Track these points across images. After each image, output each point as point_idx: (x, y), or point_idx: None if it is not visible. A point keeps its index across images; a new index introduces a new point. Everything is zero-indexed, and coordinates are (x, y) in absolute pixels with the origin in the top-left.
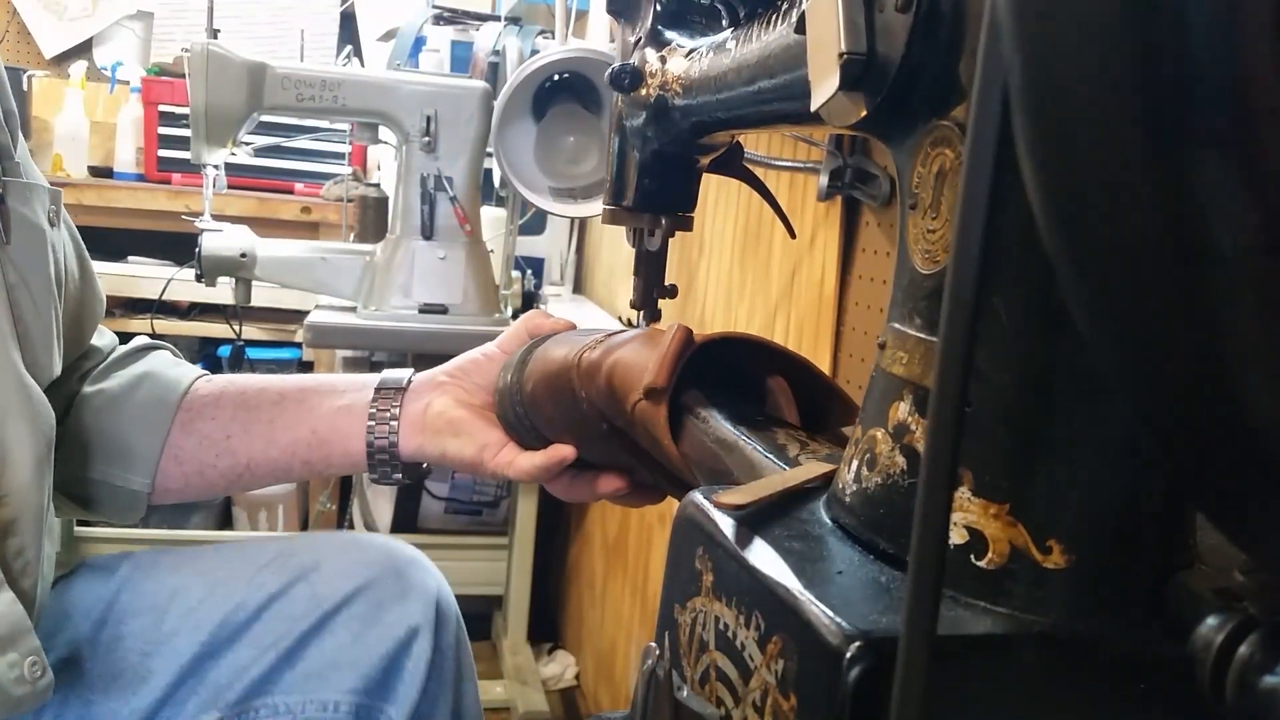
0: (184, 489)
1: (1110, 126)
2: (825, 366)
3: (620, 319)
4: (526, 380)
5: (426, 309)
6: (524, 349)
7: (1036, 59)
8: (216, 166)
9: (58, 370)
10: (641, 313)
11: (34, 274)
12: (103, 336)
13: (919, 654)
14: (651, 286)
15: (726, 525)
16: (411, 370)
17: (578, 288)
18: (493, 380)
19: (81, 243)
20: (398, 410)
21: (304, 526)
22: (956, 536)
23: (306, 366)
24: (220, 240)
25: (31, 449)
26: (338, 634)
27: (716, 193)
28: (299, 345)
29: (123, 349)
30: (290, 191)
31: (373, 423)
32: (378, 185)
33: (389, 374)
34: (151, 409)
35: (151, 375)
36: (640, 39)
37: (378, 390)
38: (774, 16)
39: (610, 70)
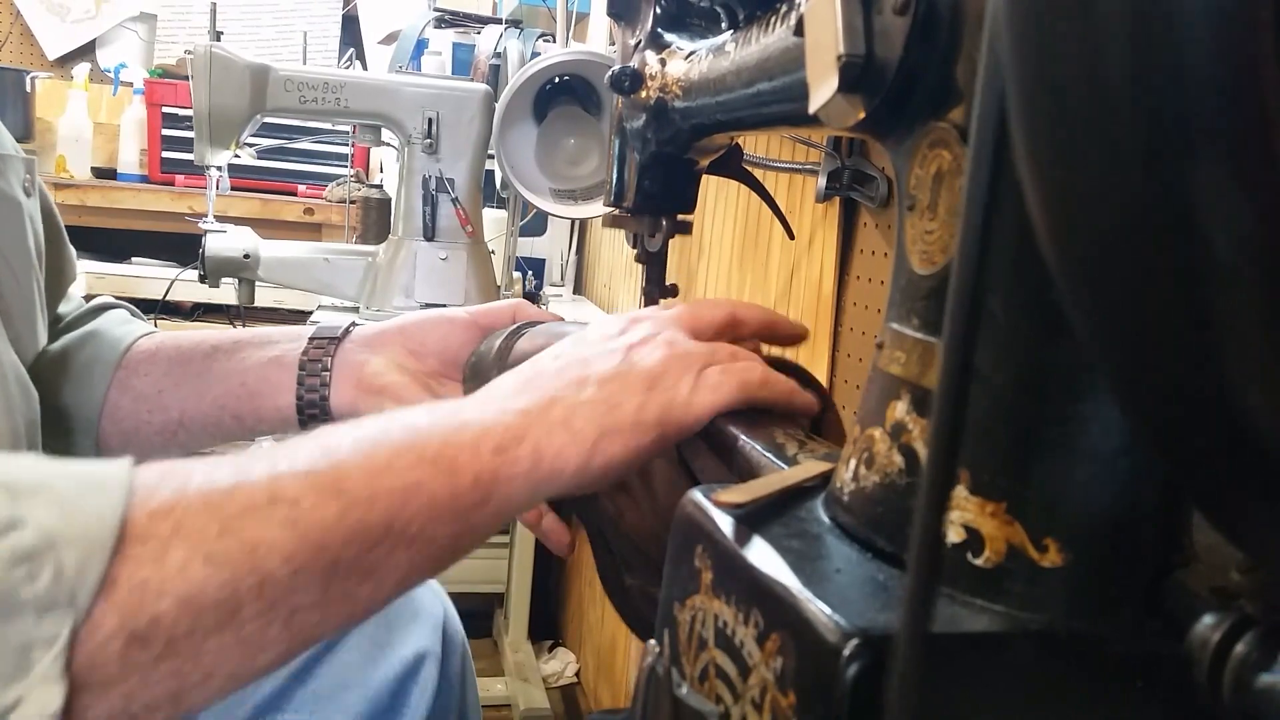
0: (123, 448)
1: (1107, 129)
2: (824, 366)
3: None
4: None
5: (428, 309)
6: (511, 330)
7: (1033, 62)
8: (220, 168)
9: (43, 342)
10: None
11: (14, 249)
12: (69, 302)
13: (915, 650)
14: (654, 286)
15: (725, 524)
16: (351, 320)
17: (578, 288)
18: (449, 348)
19: (53, 206)
20: (330, 362)
21: None
22: (954, 535)
23: None
24: (224, 241)
25: (9, 434)
26: (347, 654)
27: (716, 194)
28: None
29: (77, 311)
30: (293, 193)
31: (303, 373)
32: (380, 187)
33: (325, 324)
34: (90, 369)
35: (97, 334)
36: (640, 42)
37: (311, 340)
38: (773, 19)
39: (610, 73)
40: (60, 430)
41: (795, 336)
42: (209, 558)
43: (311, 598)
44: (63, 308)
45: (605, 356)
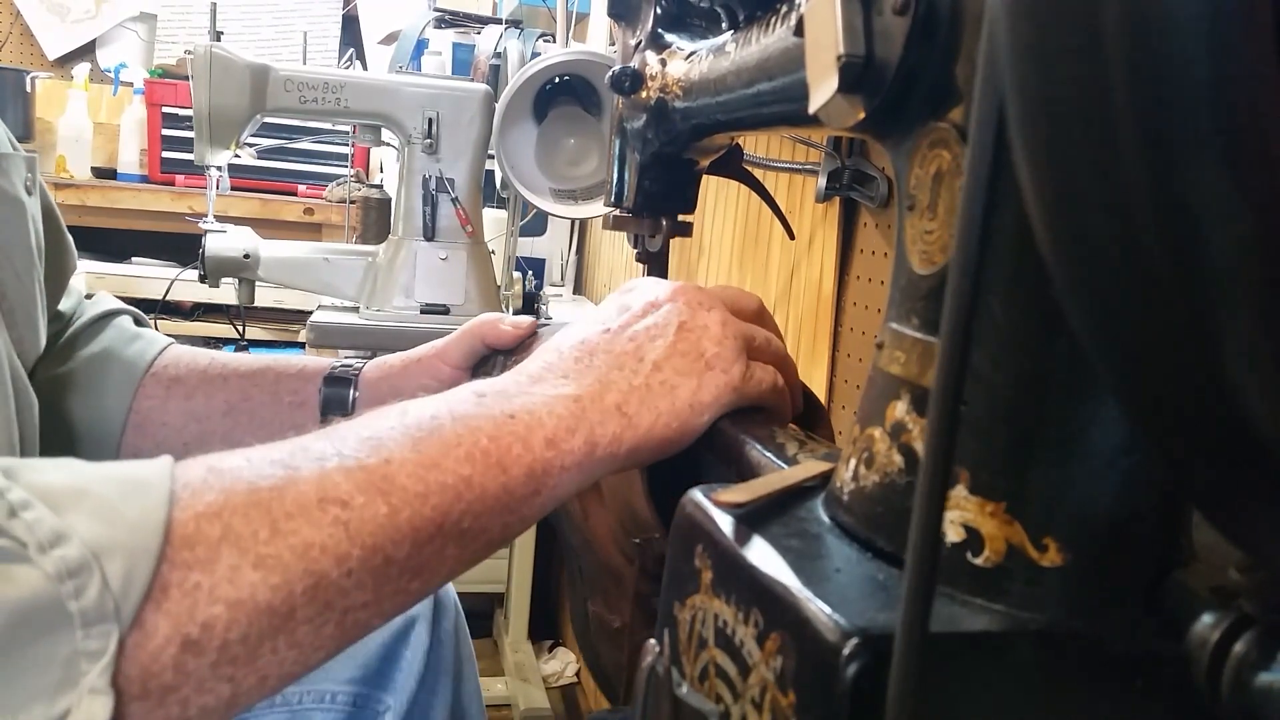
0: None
1: (1105, 130)
2: (823, 366)
3: None
4: None
5: (428, 309)
6: (479, 361)
7: (1031, 64)
8: (220, 168)
9: (43, 344)
10: None
11: (16, 249)
12: (69, 297)
13: (914, 649)
14: None
15: (725, 523)
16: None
17: (578, 288)
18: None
19: (51, 200)
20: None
21: None
22: (954, 534)
23: None
24: (224, 241)
25: (6, 443)
26: None
27: (716, 194)
28: (302, 345)
29: (82, 320)
30: (293, 193)
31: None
32: (380, 187)
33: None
34: (104, 395)
35: (109, 355)
36: (640, 42)
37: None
38: (773, 19)
39: (611, 73)
40: (73, 448)
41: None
42: (260, 561)
43: (365, 597)
44: (64, 304)
45: (657, 333)
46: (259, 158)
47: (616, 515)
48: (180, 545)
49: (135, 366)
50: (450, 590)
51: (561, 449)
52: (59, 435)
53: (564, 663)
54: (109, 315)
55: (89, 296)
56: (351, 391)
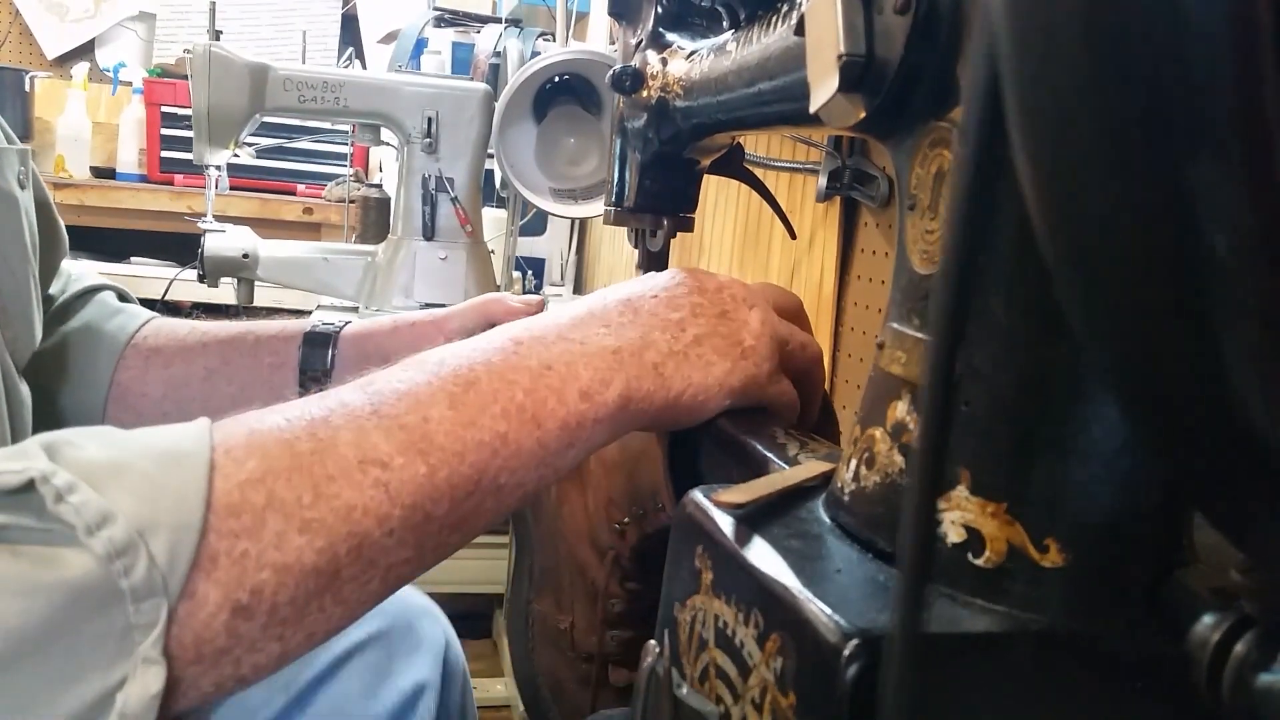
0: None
1: (1105, 128)
2: (824, 366)
3: None
4: None
5: (428, 309)
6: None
7: (1030, 60)
8: (219, 167)
9: (38, 340)
10: None
11: (10, 245)
12: (60, 279)
13: (909, 649)
14: None
15: (726, 524)
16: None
17: (578, 288)
18: None
19: (45, 191)
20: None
21: None
22: (954, 535)
23: None
24: (223, 241)
25: None
26: (348, 682)
27: (716, 193)
28: None
29: (65, 296)
30: (292, 192)
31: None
32: (379, 186)
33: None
34: (88, 367)
35: (90, 330)
36: (641, 41)
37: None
38: (774, 19)
39: (612, 72)
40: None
41: None
42: (304, 526)
43: (407, 554)
44: (54, 287)
45: (701, 312)
46: (258, 157)
47: (608, 492)
48: (226, 514)
49: (116, 340)
50: (459, 655)
51: (595, 401)
52: (44, 411)
53: None
54: (91, 291)
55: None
56: (330, 350)
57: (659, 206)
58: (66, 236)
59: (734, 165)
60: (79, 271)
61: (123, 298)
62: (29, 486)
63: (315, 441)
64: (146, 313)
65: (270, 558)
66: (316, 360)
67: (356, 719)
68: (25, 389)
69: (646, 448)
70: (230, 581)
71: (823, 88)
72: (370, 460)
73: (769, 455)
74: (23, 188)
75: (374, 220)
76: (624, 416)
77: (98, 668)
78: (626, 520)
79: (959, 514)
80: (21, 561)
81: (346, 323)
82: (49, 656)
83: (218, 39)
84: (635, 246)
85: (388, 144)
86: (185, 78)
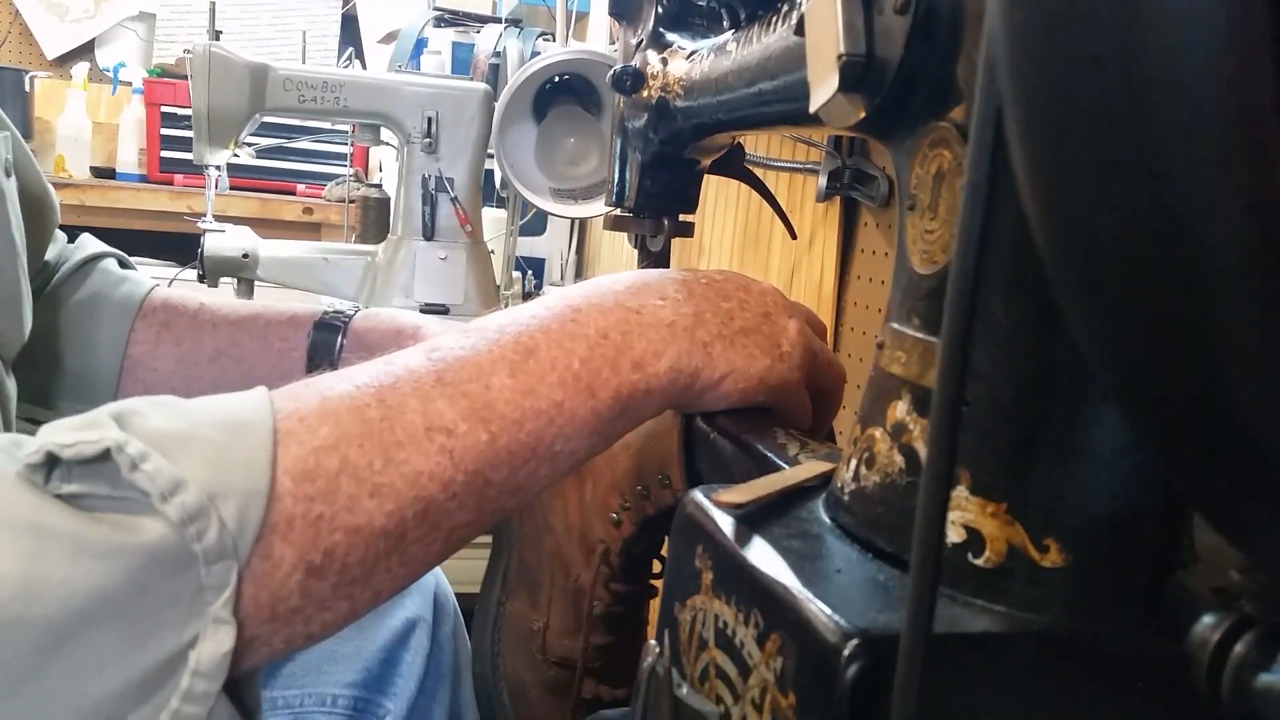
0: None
1: (1104, 130)
2: None
3: None
4: None
5: (428, 309)
6: None
7: (1029, 67)
8: (219, 167)
9: (27, 332)
10: None
11: None
12: (55, 244)
13: (919, 651)
14: None
15: (726, 524)
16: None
17: None
18: None
19: (33, 162)
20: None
21: None
22: (954, 535)
23: None
24: (223, 241)
25: None
26: None
27: (716, 193)
28: None
29: (68, 265)
30: (292, 192)
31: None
32: (379, 186)
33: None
34: (99, 333)
35: (98, 299)
36: (641, 41)
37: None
38: (774, 19)
39: (612, 72)
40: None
41: None
42: (375, 490)
43: (468, 516)
44: (49, 253)
45: (749, 309)
46: (258, 157)
47: (610, 476)
48: (301, 479)
49: (125, 310)
50: (449, 595)
51: (647, 372)
52: (54, 384)
53: None
54: (94, 259)
55: (71, 242)
56: (339, 339)
57: (659, 207)
58: (58, 205)
59: (734, 165)
60: (80, 240)
61: (123, 264)
62: (105, 456)
63: (384, 408)
64: (149, 280)
65: (343, 520)
66: (324, 348)
67: (347, 660)
68: (12, 384)
69: (656, 428)
70: (305, 543)
71: (823, 88)
72: (436, 428)
73: (769, 455)
74: (8, 175)
75: (374, 220)
76: (674, 390)
77: (171, 626)
78: (626, 505)
79: (959, 514)
80: (101, 526)
81: (357, 309)
82: (126, 616)
83: (218, 39)
84: (635, 247)
85: (388, 144)
86: (185, 78)
